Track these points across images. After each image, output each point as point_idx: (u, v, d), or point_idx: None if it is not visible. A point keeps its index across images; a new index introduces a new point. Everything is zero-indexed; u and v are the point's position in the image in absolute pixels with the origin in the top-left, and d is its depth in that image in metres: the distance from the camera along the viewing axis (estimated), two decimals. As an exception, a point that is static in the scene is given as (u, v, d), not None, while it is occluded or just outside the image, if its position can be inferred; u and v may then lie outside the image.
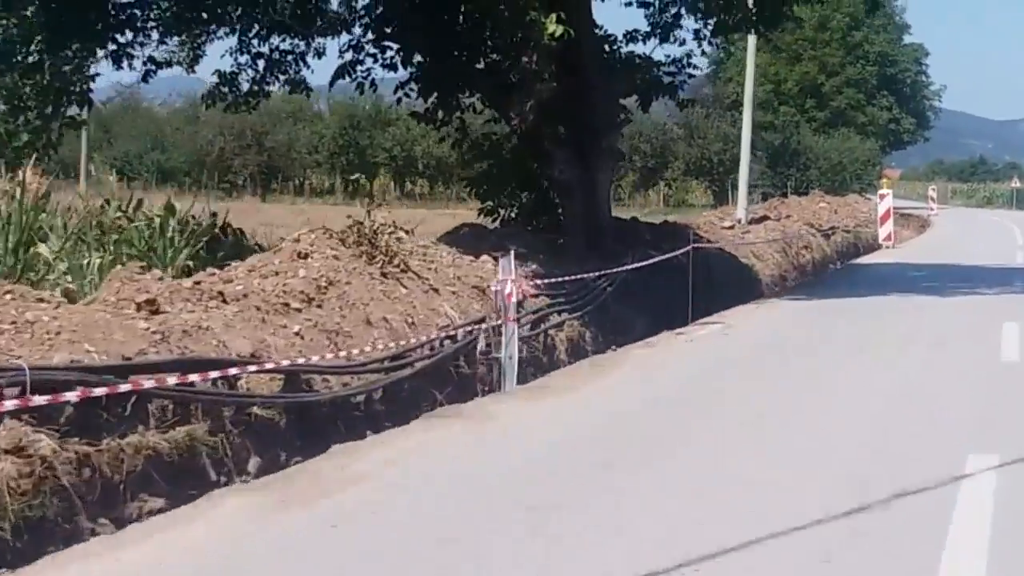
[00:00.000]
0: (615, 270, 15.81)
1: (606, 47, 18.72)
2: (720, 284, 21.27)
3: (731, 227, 29.58)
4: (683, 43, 19.40)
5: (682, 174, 74.89)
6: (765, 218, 33.13)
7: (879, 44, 78.12)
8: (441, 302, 11.90)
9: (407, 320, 11.09)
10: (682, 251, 16.46)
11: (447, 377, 11.04)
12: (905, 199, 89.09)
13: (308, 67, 18.67)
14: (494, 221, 18.57)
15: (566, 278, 14.72)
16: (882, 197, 37.36)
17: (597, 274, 15.56)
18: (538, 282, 14.52)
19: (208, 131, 68.56)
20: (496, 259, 14.56)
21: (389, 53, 17.66)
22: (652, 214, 57.33)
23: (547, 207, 18.40)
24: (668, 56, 19.80)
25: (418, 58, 17.48)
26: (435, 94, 17.62)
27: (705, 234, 25.81)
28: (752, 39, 32.25)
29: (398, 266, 11.83)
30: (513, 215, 18.62)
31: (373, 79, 17.90)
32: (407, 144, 72.56)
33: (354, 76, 17.86)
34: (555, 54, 16.04)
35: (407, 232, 12.47)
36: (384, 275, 11.61)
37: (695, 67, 19.81)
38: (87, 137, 58.00)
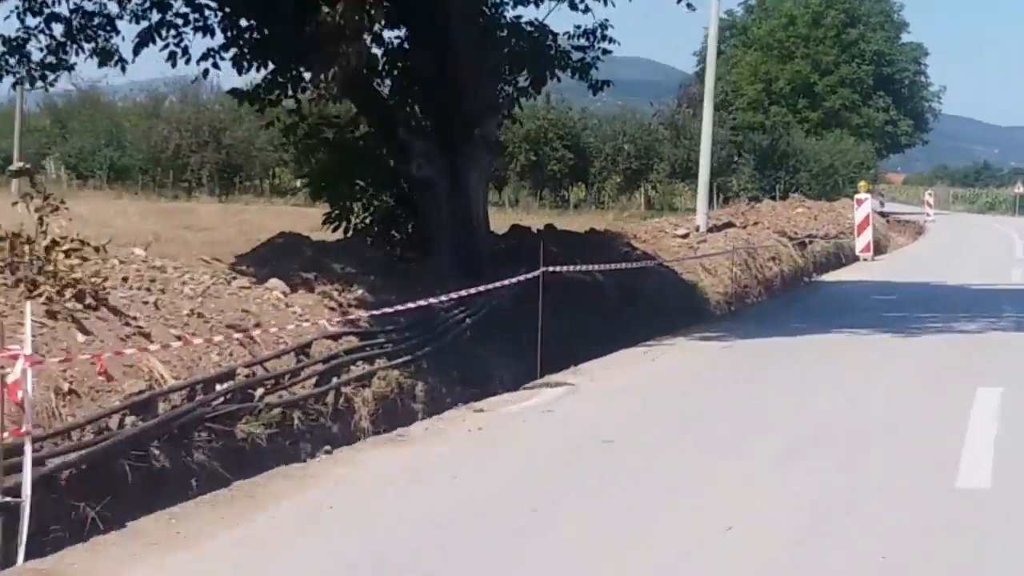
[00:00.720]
0: (472, 291, 11.90)
1: (486, 10, 14.81)
2: (651, 309, 17.47)
3: (685, 236, 25.76)
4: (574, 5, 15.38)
5: (667, 176, 70.80)
6: (730, 225, 29.28)
7: (876, 42, 74.31)
8: (149, 355, 8.04)
9: (61, 388, 7.24)
10: (528, 275, 12.03)
11: (120, 478, 7.21)
12: (907, 204, 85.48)
13: (118, 34, 14.83)
14: (335, 230, 14.61)
15: (399, 308, 10.89)
16: (859, 203, 32.52)
17: (448, 298, 11.69)
18: (361, 315, 10.79)
19: (164, 126, 64.67)
20: (295, 286, 10.81)
21: (207, 12, 13.81)
22: (632, 218, 53.72)
23: (412, 214, 14.46)
24: (579, 27, 15.90)
25: (244, 21, 13.63)
26: (266, 67, 13.78)
27: (644, 244, 22.00)
28: (715, 22, 28.26)
29: (80, 300, 7.99)
30: (367, 223, 14.67)
31: (187, 46, 14.04)
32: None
33: (164, 42, 14.00)
34: (416, 16, 12.28)
35: (98, 249, 8.57)
36: (52, 315, 7.78)
37: (612, 40, 15.92)
38: (18, 130, 54.35)
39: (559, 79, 15.95)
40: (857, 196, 32.72)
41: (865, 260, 31.31)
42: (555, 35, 15.35)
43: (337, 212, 14.51)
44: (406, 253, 13.78)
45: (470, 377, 11.63)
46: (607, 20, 15.87)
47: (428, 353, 11.11)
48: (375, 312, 10.81)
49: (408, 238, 14.27)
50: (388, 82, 14.45)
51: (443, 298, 11.30)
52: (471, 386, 11.48)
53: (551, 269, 12.17)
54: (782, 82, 73.55)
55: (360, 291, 11.33)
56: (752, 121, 72.02)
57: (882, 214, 59.40)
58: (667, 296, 18.71)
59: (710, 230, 27.77)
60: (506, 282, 11.68)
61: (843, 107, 73.28)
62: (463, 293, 11.07)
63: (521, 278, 11.60)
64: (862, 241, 31.83)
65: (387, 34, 13.71)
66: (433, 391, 10.95)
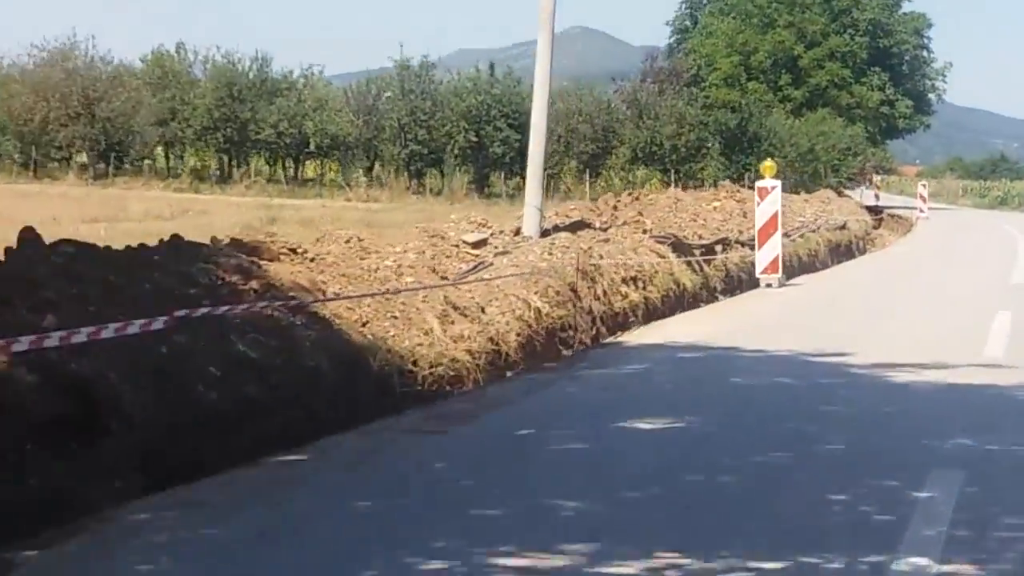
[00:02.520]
0: None
1: None
2: (172, 429, 7.95)
3: (478, 244, 16.19)
4: None
5: (628, 161, 61.10)
6: (583, 226, 19.65)
7: (871, 10, 64.21)
8: None
9: None
10: None
11: None
12: (913, 198, 75.99)
13: None
14: None
15: None
16: (761, 194, 20.50)
17: None
18: None
19: (29, 96, 55.21)
20: None
21: None
22: (576, 210, 44.23)
23: None
24: None
25: None
26: None
27: (309, 268, 12.26)
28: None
29: None
30: None
31: None
32: (296, 119, 59.56)
33: None
34: None
35: None
36: None
37: None
38: None
39: None
40: (759, 184, 20.93)
41: (769, 286, 20.26)
42: None
43: None
44: None
45: None
46: None
47: None
48: None
49: None
50: None
51: None
52: None
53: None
54: (762, 54, 63.61)
55: None
56: (727, 99, 62.28)
57: (873, 208, 50.30)
58: (276, 384, 9.08)
59: (546, 232, 18.06)
60: None
61: (831, 84, 63.30)
62: None
63: None
64: (766, 255, 20.18)
65: None
66: None
